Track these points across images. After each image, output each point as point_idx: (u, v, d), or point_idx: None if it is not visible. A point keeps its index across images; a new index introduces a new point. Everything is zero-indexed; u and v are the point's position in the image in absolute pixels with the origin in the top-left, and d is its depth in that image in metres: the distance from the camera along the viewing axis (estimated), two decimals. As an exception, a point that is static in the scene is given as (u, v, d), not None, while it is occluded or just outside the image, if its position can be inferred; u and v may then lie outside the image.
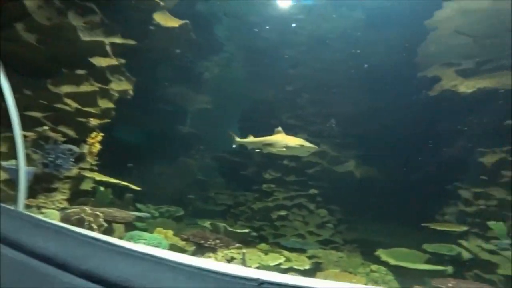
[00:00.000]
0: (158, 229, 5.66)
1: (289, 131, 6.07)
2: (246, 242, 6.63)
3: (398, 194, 7.60)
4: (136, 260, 1.27)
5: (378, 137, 7.97)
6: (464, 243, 5.92)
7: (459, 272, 5.25)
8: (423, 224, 6.35)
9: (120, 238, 4.46)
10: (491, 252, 5.65)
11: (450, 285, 4.62)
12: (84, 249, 1.33)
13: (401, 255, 5.52)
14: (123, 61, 6.13)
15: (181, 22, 7.17)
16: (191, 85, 10.14)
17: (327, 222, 7.71)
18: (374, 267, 5.11)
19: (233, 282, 1.10)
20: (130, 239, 4.24)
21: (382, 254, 5.56)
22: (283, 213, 7.75)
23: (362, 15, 8.54)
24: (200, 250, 4.52)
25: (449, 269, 5.23)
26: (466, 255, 5.69)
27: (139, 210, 7.05)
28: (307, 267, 4.89)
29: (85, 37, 5.54)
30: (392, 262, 5.22)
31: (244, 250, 4.27)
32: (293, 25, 8.80)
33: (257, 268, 4.29)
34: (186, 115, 10.94)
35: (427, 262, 5.47)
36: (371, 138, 8.09)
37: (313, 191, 8.03)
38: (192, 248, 4.98)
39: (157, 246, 4.14)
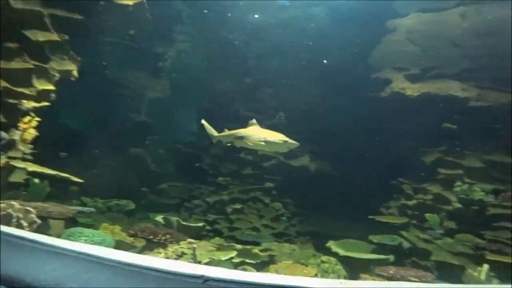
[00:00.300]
0: (104, 224, 5.26)
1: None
2: (201, 236, 6.50)
3: (349, 189, 8.01)
4: (68, 261, 1.14)
5: (332, 133, 8.29)
6: (404, 233, 6.44)
7: (399, 260, 5.71)
8: (370, 217, 6.78)
9: (58, 236, 4.04)
10: (426, 241, 6.24)
11: (391, 272, 5.02)
12: (5, 250, 1.15)
13: (350, 246, 5.83)
14: (66, 37, 5.44)
15: (136, 0, 6.63)
16: (146, 71, 9.53)
17: (281, 215, 7.86)
18: (324, 258, 5.33)
19: (176, 280, 1.02)
20: (69, 236, 3.87)
21: (332, 245, 5.82)
22: (238, 206, 7.73)
23: (325, 14, 8.74)
24: (149, 246, 4.29)
25: (391, 257, 5.66)
26: (406, 244, 6.20)
27: (84, 204, 6.52)
28: (259, 260, 4.91)
29: (17, 4, 4.79)
30: (342, 252, 5.49)
31: (194, 245, 4.13)
32: (256, 16, 8.71)
33: (208, 263, 4.19)
34: (140, 102, 10.32)
35: (373, 252, 5.86)
36: (326, 134, 8.38)
37: (268, 184, 8.12)
38: (141, 244, 4.71)
39: (100, 243, 3.83)
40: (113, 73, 8.57)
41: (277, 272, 4.53)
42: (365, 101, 8.27)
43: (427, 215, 6.49)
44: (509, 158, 6.70)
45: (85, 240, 3.87)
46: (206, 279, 0.99)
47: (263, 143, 4.86)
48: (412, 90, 7.73)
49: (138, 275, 1.09)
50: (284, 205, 8.03)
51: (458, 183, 6.56)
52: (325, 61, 8.48)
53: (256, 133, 5.06)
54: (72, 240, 3.70)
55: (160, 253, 4.23)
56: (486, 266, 4.86)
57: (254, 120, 5.36)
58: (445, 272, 5.53)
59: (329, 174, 8.59)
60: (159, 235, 4.29)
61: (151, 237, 4.26)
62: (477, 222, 6.17)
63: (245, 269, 4.66)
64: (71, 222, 4.78)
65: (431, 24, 7.63)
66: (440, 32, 7.56)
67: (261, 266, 4.93)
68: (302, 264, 5.22)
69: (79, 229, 4.19)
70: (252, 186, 8.06)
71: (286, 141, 4.84)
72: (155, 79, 10.05)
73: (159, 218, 6.68)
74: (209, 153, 8.69)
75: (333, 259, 5.35)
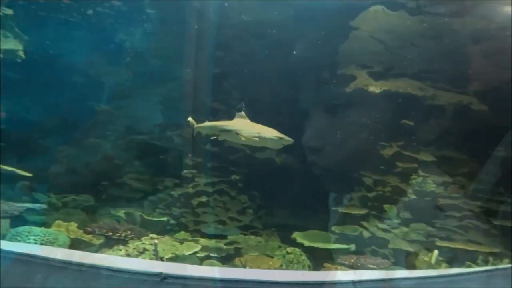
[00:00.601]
0: (58, 222, 4.92)
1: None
2: (165, 230, 6.32)
3: (313, 181, 8.23)
4: (9, 263, 1.02)
5: (298, 126, 8.42)
6: (365, 224, 6.77)
7: (360, 249, 6.01)
8: (333, 208, 7.03)
9: (3, 237, 3.70)
10: (385, 230, 6.63)
11: (352, 260, 5.32)
12: None
13: (314, 236, 6.02)
14: (10, 11, 4.84)
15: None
16: (107, 55, 8.88)
17: (247, 208, 7.89)
18: (290, 249, 5.45)
19: (132, 280, 0.95)
20: (15, 236, 3.54)
21: (297, 236, 5.96)
22: (204, 199, 7.62)
23: (294, 8, 8.74)
24: (109, 243, 4.07)
25: (352, 247, 5.95)
26: (366, 234, 6.53)
27: (36, 201, 6.04)
28: (223, 254, 4.89)
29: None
30: (306, 243, 5.66)
31: (156, 241, 3.99)
32: (226, 3, 8.53)
33: (171, 258, 4.07)
34: (99, 89, 9.65)
35: (336, 242, 6.10)
36: (292, 127, 8.48)
37: (234, 177, 8.09)
38: (99, 241, 4.46)
39: (52, 243, 3.55)
40: (68, 56, 7.88)
41: (241, 263, 4.54)
42: (330, 96, 8.49)
43: (386, 206, 6.88)
44: (457, 153, 7.30)
45: (34, 240, 3.55)
46: (164, 277, 0.93)
47: (257, 139, 4.54)
48: (374, 87, 8.06)
49: (90, 275, 1.00)
50: (250, 198, 8.06)
51: (414, 176, 7.03)
52: (294, 52, 8.51)
53: (247, 128, 4.74)
54: (18, 241, 3.39)
55: (120, 250, 4.03)
56: (436, 252, 5.29)
57: (242, 113, 5.03)
58: (400, 258, 5.93)
59: (295, 167, 8.74)
60: (119, 232, 4.08)
61: (110, 233, 4.03)
62: (429, 212, 6.67)
63: (213, 264, 4.61)
64: (19, 220, 4.39)
65: (394, 23, 7.97)
66: (401, 32, 7.93)
67: (227, 259, 4.91)
68: (267, 256, 5.29)
69: (27, 228, 3.84)
70: (218, 178, 7.98)
71: (281, 138, 4.62)
72: (116, 65, 9.43)
73: (121, 213, 6.41)
74: (173, 145, 8.46)
75: (298, 250, 5.49)
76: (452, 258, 5.39)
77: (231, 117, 5.42)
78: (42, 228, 4.16)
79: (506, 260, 5.18)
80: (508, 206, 6.20)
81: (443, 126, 7.41)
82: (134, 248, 4.02)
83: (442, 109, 7.50)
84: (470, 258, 5.34)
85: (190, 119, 5.48)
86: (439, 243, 5.96)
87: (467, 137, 6.90)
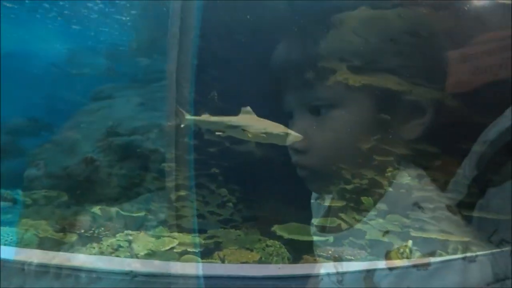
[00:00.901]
0: (25, 220, 4.69)
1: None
2: (144, 226, 6.21)
3: (293, 174, 8.30)
4: None
5: (277, 118, 8.45)
6: (343, 216, 6.91)
7: (338, 240, 6.14)
8: (313, 201, 7.13)
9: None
10: (362, 222, 6.80)
11: (330, 252, 5.42)
12: None
13: (294, 229, 6.08)
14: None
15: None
16: (84, 47, 8.57)
17: (227, 201, 7.87)
18: (269, 242, 5.48)
19: (103, 279, 0.90)
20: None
21: (277, 229, 6.00)
22: (183, 193, 7.52)
23: (282, 3, 8.70)
24: (82, 241, 3.93)
25: (331, 238, 6.06)
26: (344, 226, 6.67)
27: (2, 198, 5.75)
28: (202, 249, 4.87)
29: None
30: (286, 236, 5.70)
31: (130, 237, 3.89)
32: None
33: (147, 255, 3.98)
34: (75, 81, 9.30)
35: (315, 234, 6.20)
36: (270, 119, 8.52)
37: (214, 170, 8.02)
38: (72, 239, 4.30)
39: (17, 243, 3.35)
40: (40, 46, 7.52)
41: (219, 257, 4.53)
42: (311, 91, 8.55)
43: (363, 198, 7.06)
44: (431, 147, 7.58)
45: (-4, 240, 3.33)
46: (134, 275, 0.88)
47: (264, 135, 4.55)
48: (354, 81, 8.17)
49: (63, 276, 0.94)
50: (230, 191, 8.03)
51: (390, 168, 7.22)
52: (278, 46, 8.51)
53: (254, 123, 4.69)
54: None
55: (93, 248, 3.89)
56: (410, 242, 5.50)
57: (248, 108, 4.95)
58: (376, 249, 6.12)
59: (274, 160, 8.77)
60: (92, 228, 3.95)
61: (82, 231, 3.89)
62: (404, 204, 6.90)
63: (191, 259, 4.57)
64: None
65: (375, 19, 8.13)
66: (380, 27, 8.09)
67: (206, 254, 4.88)
68: (247, 249, 5.30)
69: (-13, 228, 3.60)
70: (197, 172, 7.90)
71: (290, 134, 4.61)
72: (95, 56, 9.12)
73: (96, 209, 6.24)
74: (151, 138, 8.29)
75: (277, 243, 5.53)
76: (424, 247, 5.64)
77: (216, 113, 5.40)
78: (6, 228, 3.92)
79: (474, 248, 5.48)
80: (480, 199, 6.54)
81: (418, 120, 7.66)
82: (108, 245, 3.88)
83: (418, 104, 7.73)
84: (442, 247, 5.60)
85: (187, 115, 5.37)
86: (413, 233, 6.17)
87: (442, 132, 7.17)
